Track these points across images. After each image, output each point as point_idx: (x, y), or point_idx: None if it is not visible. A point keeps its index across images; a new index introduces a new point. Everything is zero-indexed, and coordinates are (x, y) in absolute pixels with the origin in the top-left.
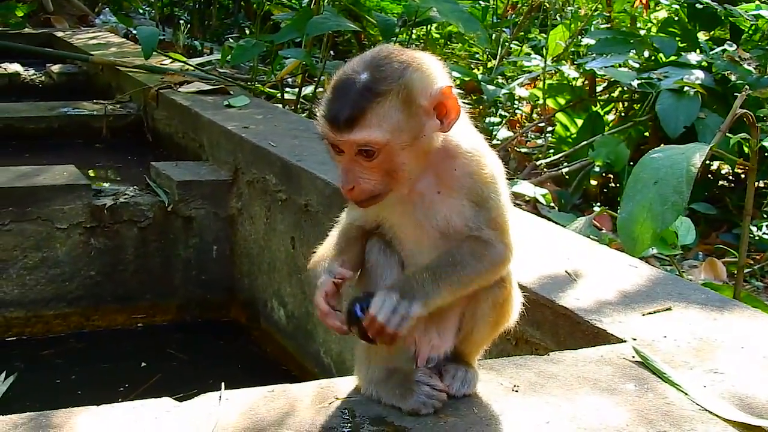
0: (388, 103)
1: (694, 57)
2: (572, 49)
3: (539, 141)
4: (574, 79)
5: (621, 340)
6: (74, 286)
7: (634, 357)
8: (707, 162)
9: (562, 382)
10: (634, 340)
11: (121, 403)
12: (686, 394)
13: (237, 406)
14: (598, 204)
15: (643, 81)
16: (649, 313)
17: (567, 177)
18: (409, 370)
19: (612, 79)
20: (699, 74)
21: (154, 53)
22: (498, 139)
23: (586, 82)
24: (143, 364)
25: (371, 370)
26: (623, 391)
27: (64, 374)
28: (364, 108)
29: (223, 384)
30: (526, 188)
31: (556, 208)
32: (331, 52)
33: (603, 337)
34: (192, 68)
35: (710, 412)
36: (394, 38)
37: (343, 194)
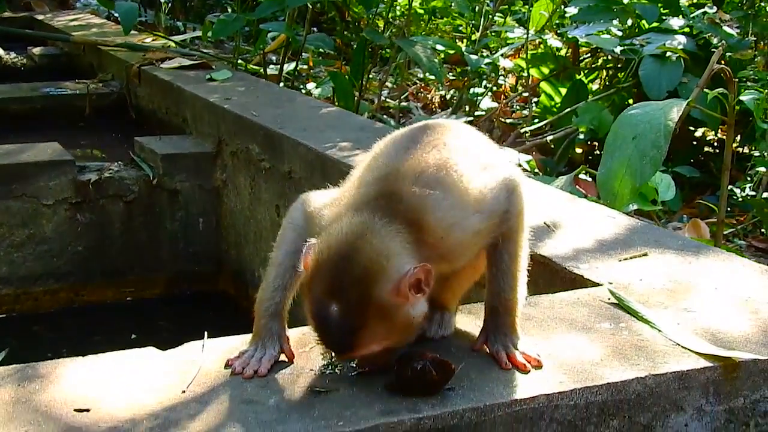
0: (371, 328)
1: (676, 22)
2: (556, 21)
3: (524, 112)
4: (557, 48)
5: (597, 285)
6: (62, 262)
7: (609, 299)
8: (691, 129)
9: (539, 322)
10: (610, 283)
11: (106, 353)
12: (660, 331)
13: (219, 352)
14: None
15: (625, 47)
16: (626, 259)
17: (552, 145)
18: None
19: (595, 47)
20: (681, 39)
21: (135, 32)
22: (482, 110)
23: (570, 51)
24: (133, 336)
25: None
26: (599, 330)
27: (55, 349)
28: (350, 344)
29: (205, 333)
30: (511, 155)
31: (541, 174)
32: (314, 29)
33: (580, 283)
34: (174, 45)
35: (683, 347)
36: (376, 9)
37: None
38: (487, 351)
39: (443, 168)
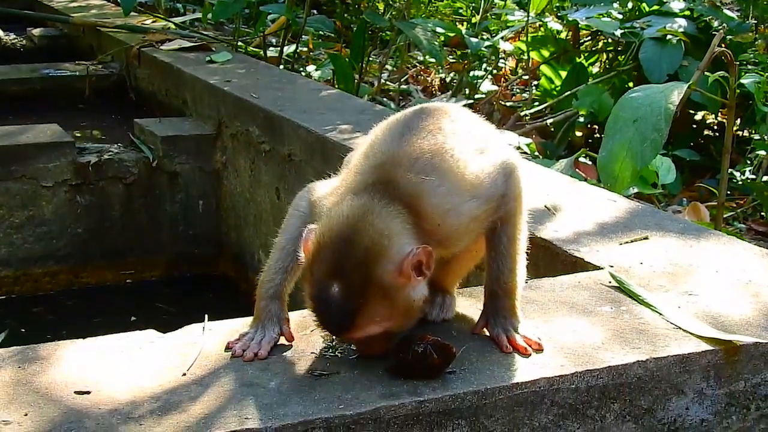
0: (371, 308)
1: (676, 5)
2: (557, 4)
3: (524, 95)
4: (558, 31)
5: (598, 268)
6: (62, 244)
7: (610, 282)
8: (692, 112)
9: (540, 306)
10: (611, 267)
11: (106, 336)
12: (660, 314)
13: (220, 335)
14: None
15: (626, 30)
16: (627, 242)
17: (552, 129)
18: None
19: (595, 30)
20: (682, 22)
21: (135, 13)
22: (482, 93)
23: (570, 34)
24: (133, 318)
25: None
26: (599, 313)
27: (55, 331)
28: (349, 324)
29: (206, 316)
30: (510, 138)
31: (541, 157)
32: (314, 11)
33: (581, 266)
34: (174, 27)
35: (684, 330)
36: None
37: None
38: (488, 334)
39: (438, 154)
